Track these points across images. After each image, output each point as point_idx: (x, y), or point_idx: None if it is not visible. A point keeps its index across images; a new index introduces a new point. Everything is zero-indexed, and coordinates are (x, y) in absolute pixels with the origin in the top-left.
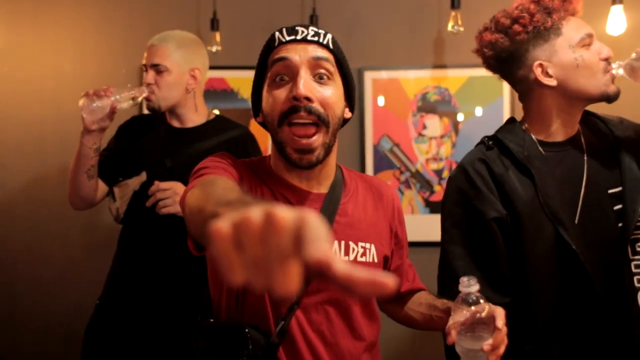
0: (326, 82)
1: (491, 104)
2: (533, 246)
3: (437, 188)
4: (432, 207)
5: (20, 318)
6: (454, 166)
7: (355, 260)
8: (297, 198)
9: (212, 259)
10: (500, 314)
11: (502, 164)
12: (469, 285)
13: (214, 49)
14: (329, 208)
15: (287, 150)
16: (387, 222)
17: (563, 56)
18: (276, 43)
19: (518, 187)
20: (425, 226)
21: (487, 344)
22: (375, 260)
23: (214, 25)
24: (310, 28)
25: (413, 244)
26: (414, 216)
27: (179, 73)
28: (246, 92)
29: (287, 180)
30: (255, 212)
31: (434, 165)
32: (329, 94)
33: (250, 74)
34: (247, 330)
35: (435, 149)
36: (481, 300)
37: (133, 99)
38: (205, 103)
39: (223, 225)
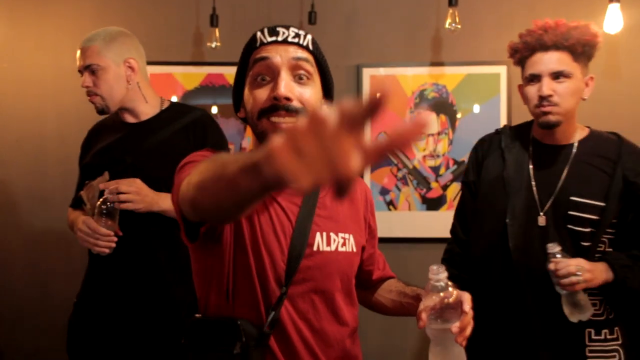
0: (305, 82)
1: (488, 101)
2: (483, 214)
3: (434, 185)
4: (429, 203)
5: (19, 314)
6: (451, 163)
7: (336, 250)
8: (278, 192)
9: (199, 253)
10: (467, 299)
11: (496, 146)
12: (438, 273)
13: (213, 44)
14: (309, 201)
15: (270, 137)
16: (361, 213)
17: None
18: (258, 44)
19: (492, 165)
20: (422, 223)
21: (455, 326)
22: (354, 249)
23: (213, 21)
24: (291, 29)
25: (410, 240)
26: (411, 213)
27: (114, 68)
28: None
29: None
30: (300, 121)
31: (431, 162)
32: (307, 94)
33: None
34: (239, 322)
35: (432, 145)
36: (449, 287)
37: (104, 201)
38: (155, 92)
39: (279, 141)
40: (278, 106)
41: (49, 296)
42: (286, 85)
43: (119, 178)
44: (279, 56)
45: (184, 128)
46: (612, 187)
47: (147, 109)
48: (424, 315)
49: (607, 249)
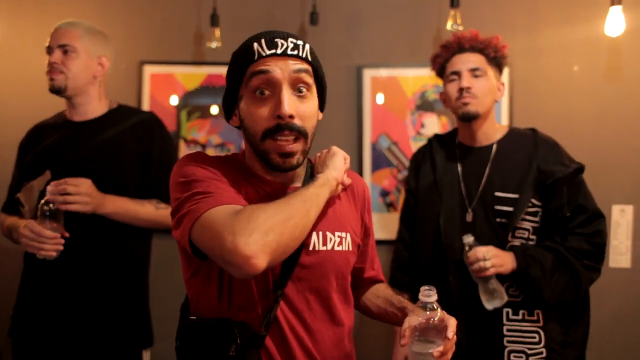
0: (305, 95)
1: None
2: (423, 217)
3: None
4: None
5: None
6: None
7: (332, 250)
8: (274, 192)
9: (192, 259)
10: (452, 324)
11: (428, 153)
12: (428, 296)
13: (213, 44)
14: None
15: (271, 156)
16: (358, 212)
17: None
18: (255, 56)
19: (426, 171)
20: None
21: (437, 350)
22: (350, 248)
23: (214, 21)
24: (290, 40)
25: None
26: None
27: (87, 57)
28: None
29: (263, 177)
30: None
31: None
32: (308, 108)
33: None
34: (234, 324)
35: None
36: (437, 309)
37: (46, 202)
38: (106, 95)
39: None
40: (282, 126)
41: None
42: (289, 103)
43: (60, 177)
44: (280, 69)
45: (131, 128)
46: (525, 178)
47: (98, 107)
48: (407, 333)
49: (530, 236)
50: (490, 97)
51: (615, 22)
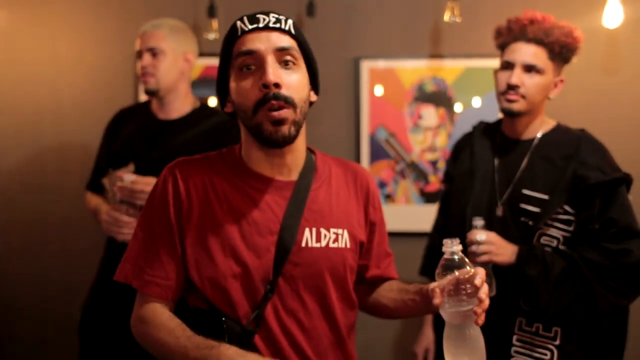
0: (292, 68)
1: (487, 95)
2: (455, 204)
3: (432, 178)
4: (427, 197)
5: (17, 305)
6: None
7: (327, 247)
8: (265, 187)
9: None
10: (480, 272)
11: (470, 140)
12: (452, 245)
13: (211, 36)
14: (299, 195)
15: (264, 127)
16: (361, 207)
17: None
18: (239, 32)
19: (464, 158)
20: (420, 216)
21: (475, 307)
22: (348, 245)
23: (212, 12)
24: (272, 15)
25: (409, 234)
26: (409, 206)
27: (173, 56)
28: None
29: (256, 170)
30: None
31: (429, 156)
32: (294, 79)
33: None
34: (223, 318)
35: (430, 139)
36: (465, 261)
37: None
38: (193, 92)
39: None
40: (269, 95)
41: (46, 286)
42: (274, 72)
43: (143, 172)
44: (263, 45)
45: (208, 131)
46: (559, 180)
47: (183, 105)
48: (438, 291)
49: (560, 246)
50: (541, 96)
51: (613, 14)
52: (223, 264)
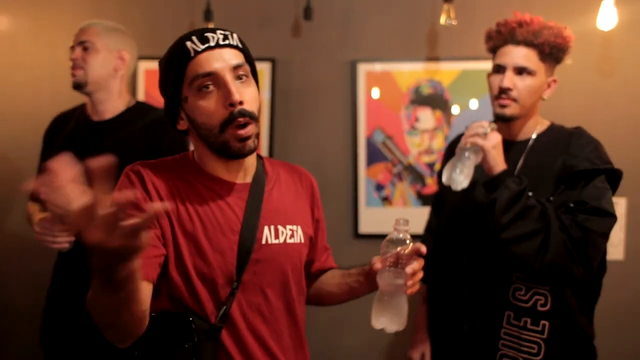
0: (245, 82)
1: (484, 97)
2: (449, 205)
3: (429, 181)
4: (424, 199)
5: (17, 305)
6: None
7: (285, 243)
8: (224, 189)
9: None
10: (420, 246)
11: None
12: (402, 225)
13: None
14: (256, 196)
15: (231, 144)
16: (308, 205)
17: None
18: (192, 54)
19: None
20: (417, 219)
21: (407, 274)
22: (302, 240)
23: (208, 16)
24: (219, 32)
25: None
26: (406, 209)
27: (106, 52)
28: None
29: (213, 174)
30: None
31: (426, 158)
32: (251, 92)
33: None
34: (190, 318)
35: (427, 142)
36: (407, 241)
37: None
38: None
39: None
40: (235, 114)
41: (44, 290)
42: (237, 90)
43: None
44: (219, 64)
45: (142, 129)
46: (549, 173)
47: (116, 104)
48: (379, 259)
49: None
50: (534, 97)
51: (607, 16)
52: (190, 264)
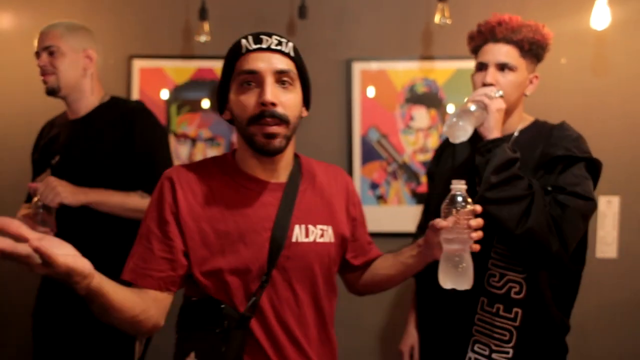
0: (287, 88)
1: None
2: (437, 199)
3: (423, 179)
4: (419, 198)
5: (16, 306)
6: None
7: (314, 241)
8: (259, 188)
9: None
10: (476, 206)
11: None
12: (458, 184)
13: (202, 38)
14: (289, 195)
15: (256, 138)
16: (343, 204)
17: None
18: (243, 50)
19: (446, 157)
20: (412, 217)
21: (473, 221)
22: (332, 240)
23: (203, 14)
24: (274, 37)
25: (400, 235)
26: (401, 207)
27: (73, 54)
28: None
29: (249, 173)
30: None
31: (421, 157)
32: (289, 98)
33: None
34: (222, 305)
35: (422, 140)
36: (465, 200)
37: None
38: (101, 86)
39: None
40: (265, 112)
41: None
42: (272, 92)
43: (55, 174)
44: (264, 64)
45: (113, 121)
46: (529, 162)
47: (89, 102)
48: (440, 220)
49: None
50: (516, 93)
51: (600, 16)
52: (223, 260)
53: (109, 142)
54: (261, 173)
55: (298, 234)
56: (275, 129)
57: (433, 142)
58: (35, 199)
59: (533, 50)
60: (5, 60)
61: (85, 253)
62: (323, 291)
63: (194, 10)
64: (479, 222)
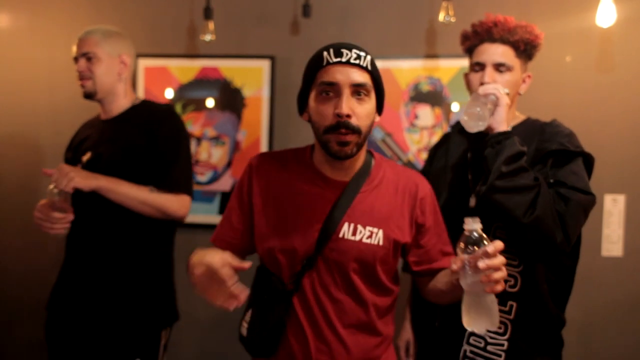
0: (363, 99)
1: None
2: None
3: None
4: None
5: (17, 305)
6: None
7: (360, 241)
8: (323, 184)
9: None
10: (496, 244)
11: (447, 139)
12: (472, 224)
13: (207, 37)
14: (348, 194)
15: (330, 145)
16: (406, 210)
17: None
18: (324, 63)
19: (440, 155)
20: None
21: (481, 262)
22: (381, 243)
23: (208, 13)
24: (354, 51)
25: None
26: None
27: (109, 59)
28: (239, 81)
29: (319, 169)
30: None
31: (426, 156)
32: (365, 110)
33: (244, 63)
34: (272, 276)
35: (426, 139)
36: (483, 240)
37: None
38: (132, 89)
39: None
40: (340, 123)
41: (42, 288)
42: (347, 104)
43: (94, 171)
44: (343, 77)
45: (141, 123)
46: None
47: (122, 104)
48: (456, 260)
49: None
50: (512, 92)
51: (606, 13)
52: (276, 241)
53: (135, 141)
54: (329, 171)
55: (346, 231)
56: (348, 137)
57: (437, 140)
58: (51, 186)
59: (527, 50)
60: (11, 57)
61: (118, 239)
62: (364, 286)
63: (198, 9)
64: (494, 263)
